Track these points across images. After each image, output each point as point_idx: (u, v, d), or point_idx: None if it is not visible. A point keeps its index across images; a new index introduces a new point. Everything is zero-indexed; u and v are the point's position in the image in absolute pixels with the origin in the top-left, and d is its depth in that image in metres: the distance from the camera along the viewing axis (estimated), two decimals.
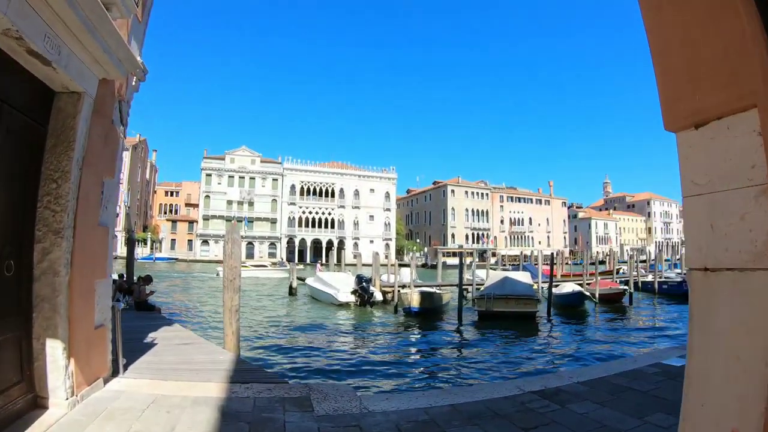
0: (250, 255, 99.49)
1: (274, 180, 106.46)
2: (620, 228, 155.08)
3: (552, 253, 38.23)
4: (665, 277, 41.63)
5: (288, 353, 16.24)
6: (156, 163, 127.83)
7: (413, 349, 18.49)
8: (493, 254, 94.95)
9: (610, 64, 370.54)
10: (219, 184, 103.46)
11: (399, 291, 29.94)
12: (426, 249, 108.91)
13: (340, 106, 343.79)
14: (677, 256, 65.21)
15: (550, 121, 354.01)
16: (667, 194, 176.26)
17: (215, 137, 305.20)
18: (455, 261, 52.77)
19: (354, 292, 30.76)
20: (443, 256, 64.96)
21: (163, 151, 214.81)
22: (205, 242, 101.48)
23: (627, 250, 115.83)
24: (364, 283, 30.75)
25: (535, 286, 32.07)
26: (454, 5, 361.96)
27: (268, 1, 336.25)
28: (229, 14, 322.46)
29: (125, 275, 26.48)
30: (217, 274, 58.15)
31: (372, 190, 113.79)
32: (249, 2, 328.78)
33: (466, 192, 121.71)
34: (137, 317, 14.87)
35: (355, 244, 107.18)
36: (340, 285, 32.23)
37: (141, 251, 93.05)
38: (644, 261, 72.44)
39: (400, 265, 37.97)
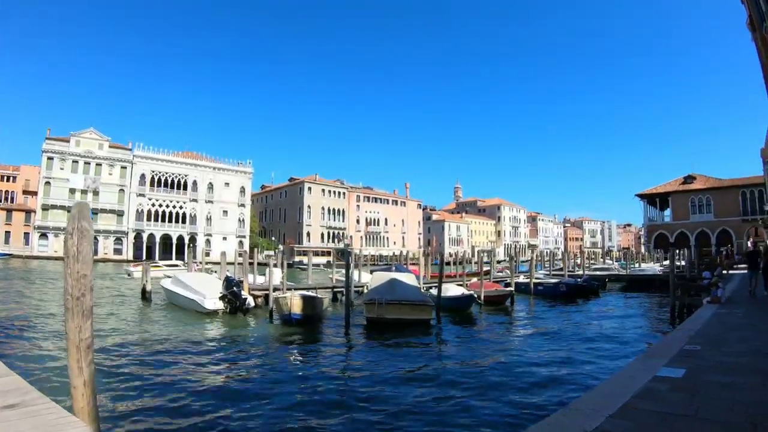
0: (93, 251, 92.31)
1: (123, 168, 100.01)
2: (471, 230, 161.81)
3: (441, 255, 38.24)
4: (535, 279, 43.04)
5: (154, 411, 11.49)
6: None
7: (315, 371, 15.87)
8: (349, 254, 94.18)
9: (466, 65, 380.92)
10: (62, 169, 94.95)
11: (275, 296, 26.45)
12: (281, 247, 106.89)
13: (196, 92, 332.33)
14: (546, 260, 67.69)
15: (407, 122, 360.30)
16: (516, 200, 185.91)
17: (60, 115, 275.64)
18: (316, 261, 52.49)
19: (223, 298, 27.33)
20: (299, 255, 64.20)
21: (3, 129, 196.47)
22: (44, 236, 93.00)
23: (477, 252, 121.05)
24: (234, 287, 27.55)
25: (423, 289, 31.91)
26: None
27: None
28: None
29: None
30: (129, 275, 53.72)
31: (227, 184, 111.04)
32: None
33: (323, 190, 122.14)
34: None
35: (208, 241, 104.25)
36: (206, 289, 28.54)
37: None
38: (500, 262, 75.58)
39: (260, 264, 36.24)
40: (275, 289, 28.77)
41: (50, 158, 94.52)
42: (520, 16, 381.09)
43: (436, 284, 30.07)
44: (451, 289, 32.30)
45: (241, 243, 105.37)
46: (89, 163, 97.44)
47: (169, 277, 35.09)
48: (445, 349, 20.44)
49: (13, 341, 18.81)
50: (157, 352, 17.71)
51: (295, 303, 23.91)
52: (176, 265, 60.65)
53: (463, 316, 28.94)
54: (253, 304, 28.72)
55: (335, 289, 35.89)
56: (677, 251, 50.90)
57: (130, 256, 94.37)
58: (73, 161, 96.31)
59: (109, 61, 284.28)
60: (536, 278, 43.27)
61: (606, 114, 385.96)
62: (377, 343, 20.61)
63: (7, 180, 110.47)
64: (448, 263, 41.09)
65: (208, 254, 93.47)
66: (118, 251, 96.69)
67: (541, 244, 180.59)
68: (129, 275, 54.07)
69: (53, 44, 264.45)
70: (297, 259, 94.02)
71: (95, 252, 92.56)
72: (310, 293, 27.26)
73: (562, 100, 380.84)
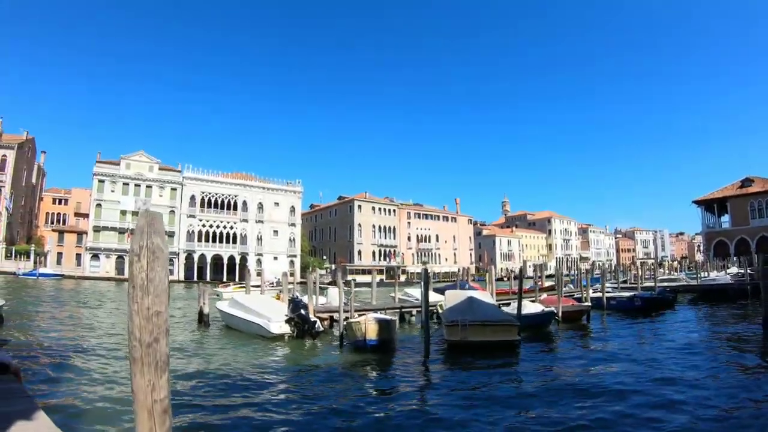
0: None
1: (173, 189, 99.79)
2: (522, 245, 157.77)
3: (520, 269, 36.59)
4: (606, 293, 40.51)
5: None
6: (44, 166, 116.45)
7: (401, 405, 13.61)
8: (403, 271, 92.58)
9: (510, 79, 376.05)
10: (112, 192, 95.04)
11: (348, 320, 24.12)
12: (333, 266, 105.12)
13: (244, 114, 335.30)
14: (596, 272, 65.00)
15: (454, 139, 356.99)
16: (565, 212, 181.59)
17: (110, 139, 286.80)
18: (366, 279, 50.49)
19: (290, 321, 25.12)
20: (351, 273, 62.76)
21: (52, 154, 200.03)
22: (95, 257, 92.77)
23: (530, 266, 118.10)
24: (302, 310, 25.35)
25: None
26: (355, 17, 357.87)
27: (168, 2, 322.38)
28: (126, 8, 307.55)
29: None
30: (218, 296, 49.38)
31: (276, 204, 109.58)
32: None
33: (373, 208, 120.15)
34: None
35: (259, 261, 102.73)
36: (270, 312, 26.40)
37: (24, 265, 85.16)
38: (550, 276, 72.86)
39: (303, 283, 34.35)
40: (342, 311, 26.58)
41: (101, 181, 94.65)
42: (569, 28, 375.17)
43: (506, 301, 27.87)
44: (527, 306, 29.77)
45: (292, 262, 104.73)
46: (139, 186, 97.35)
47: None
48: (543, 374, 18.08)
49: (71, 372, 16.22)
50: (224, 382, 15.89)
51: (370, 328, 21.71)
52: (258, 286, 58.64)
53: (542, 334, 26.92)
54: (322, 328, 26.49)
55: (403, 310, 33.67)
56: (738, 258, 48.02)
57: (181, 277, 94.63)
58: (123, 183, 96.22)
59: (157, 88, 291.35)
60: (607, 292, 40.54)
61: (652, 120, 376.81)
62: (463, 370, 18.46)
63: (60, 203, 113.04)
64: (500, 279, 39.28)
65: (259, 274, 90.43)
66: (169, 271, 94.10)
67: (592, 257, 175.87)
68: (218, 296, 52.58)
69: (101, 72, 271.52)
70: (349, 278, 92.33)
71: None
72: (385, 316, 25.06)
73: (608, 109, 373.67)
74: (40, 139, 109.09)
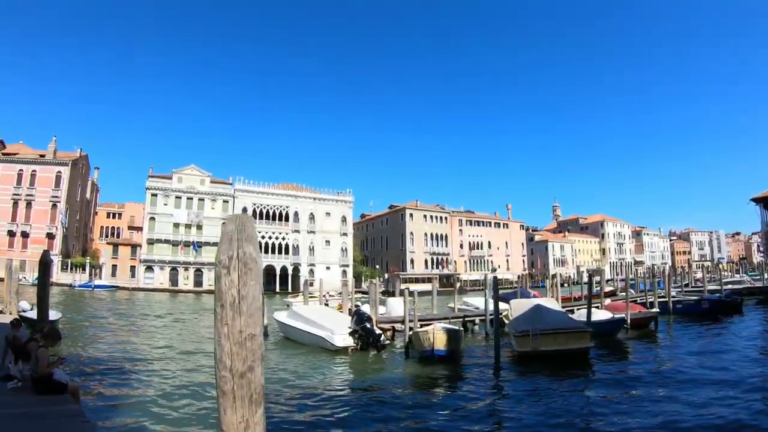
0: (198, 283, 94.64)
1: (225, 202, 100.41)
2: (575, 249, 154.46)
3: (590, 273, 35.42)
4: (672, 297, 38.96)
5: None
6: (97, 182, 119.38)
7: (477, 421, 12.98)
8: (457, 279, 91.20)
9: (557, 84, 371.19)
10: (165, 205, 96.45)
11: (415, 330, 23.55)
12: (386, 275, 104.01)
13: (293, 125, 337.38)
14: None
15: (500, 144, 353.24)
16: (619, 215, 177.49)
17: (162, 155, 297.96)
18: (418, 287, 49.50)
19: (353, 333, 24.36)
20: (405, 282, 62.07)
21: (105, 170, 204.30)
22: (149, 268, 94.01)
23: (583, 271, 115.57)
24: (366, 322, 24.52)
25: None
26: (408, 28, 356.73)
27: (214, 16, 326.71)
28: (177, 27, 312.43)
29: (36, 315, 20.23)
30: (288, 306, 46.59)
31: (328, 214, 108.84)
32: (194, 16, 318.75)
33: (425, 216, 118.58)
34: (21, 417, 8.11)
35: (311, 271, 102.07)
36: (333, 324, 25.66)
37: (79, 278, 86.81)
38: (608, 281, 70.87)
39: (362, 293, 33.49)
40: (402, 321, 26.59)
41: (154, 195, 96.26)
42: (616, 26, 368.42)
43: (569, 308, 26.55)
44: (595, 313, 28.69)
45: (344, 272, 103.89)
46: (192, 199, 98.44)
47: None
48: (622, 385, 16.80)
49: (130, 388, 15.67)
50: (288, 397, 15.24)
51: (438, 338, 20.97)
52: (332, 295, 57.65)
53: (611, 342, 25.76)
54: (387, 341, 25.89)
55: (466, 319, 32.60)
56: None
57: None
58: (176, 197, 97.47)
59: (206, 103, 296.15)
60: (673, 296, 39.05)
61: (706, 118, 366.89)
62: (536, 382, 17.48)
63: (114, 217, 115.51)
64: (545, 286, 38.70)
65: (311, 284, 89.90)
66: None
67: (647, 260, 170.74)
68: (288, 306, 51.98)
69: (151, 90, 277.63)
70: (402, 287, 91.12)
71: (200, 284, 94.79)
72: (452, 326, 24.31)
73: (660, 109, 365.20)
74: (93, 156, 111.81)
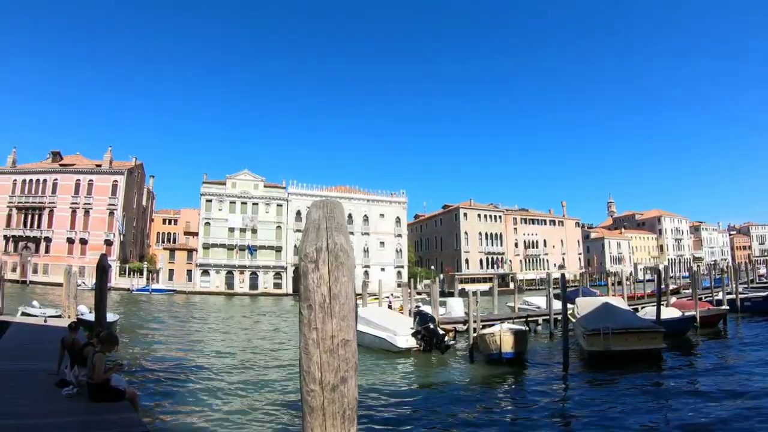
0: (254, 286, 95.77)
1: (279, 205, 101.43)
2: (632, 246, 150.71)
3: (658, 269, 34.36)
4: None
5: None
6: (153, 189, 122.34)
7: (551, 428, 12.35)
8: (512, 279, 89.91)
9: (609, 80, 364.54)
10: (220, 210, 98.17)
11: (476, 330, 23.13)
12: (441, 276, 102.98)
13: (345, 129, 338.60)
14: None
15: (551, 140, 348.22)
16: (675, 210, 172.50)
17: (215, 161, 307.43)
18: (475, 287, 48.67)
19: (416, 334, 23.90)
20: (463, 282, 61.59)
21: (160, 178, 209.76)
22: (206, 272, 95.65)
23: (641, 269, 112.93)
24: (430, 323, 24.05)
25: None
26: (462, 25, 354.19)
27: (267, 20, 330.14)
28: (228, 34, 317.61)
29: (94, 321, 19.66)
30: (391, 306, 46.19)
31: (382, 215, 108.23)
32: (247, 21, 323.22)
33: (479, 215, 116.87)
34: (77, 425, 7.81)
35: (366, 272, 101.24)
36: (395, 325, 25.31)
37: (137, 282, 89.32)
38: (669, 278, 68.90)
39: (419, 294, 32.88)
40: (463, 322, 26.54)
41: (208, 200, 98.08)
42: (668, 18, 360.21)
43: (633, 306, 25.57)
44: (663, 311, 27.34)
45: (399, 273, 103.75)
46: (246, 203, 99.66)
47: None
48: (700, 388, 15.98)
49: (180, 408, 14.17)
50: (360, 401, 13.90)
51: (505, 339, 20.41)
52: (397, 296, 56.91)
53: (681, 342, 24.91)
54: (452, 341, 25.17)
55: (529, 319, 31.73)
56: None
57: (290, 290, 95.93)
58: (230, 202, 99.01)
59: (258, 108, 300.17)
60: (740, 293, 37.95)
61: (757, 109, 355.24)
62: (610, 385, 16.83)
63: (170, 223, 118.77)
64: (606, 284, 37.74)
65: (367, 285, 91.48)
66: (277, 285, 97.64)
67: (706, 256, 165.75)
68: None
69: (204, 98, 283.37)
70: (458, 287, 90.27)
71: (256, 287, 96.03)
72: (519, 327, 23.71)
73: (714, 100, 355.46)
74: (148, 164, 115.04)
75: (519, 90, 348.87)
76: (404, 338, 23.82)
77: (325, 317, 3.54)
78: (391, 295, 57.37)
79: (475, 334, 22.81)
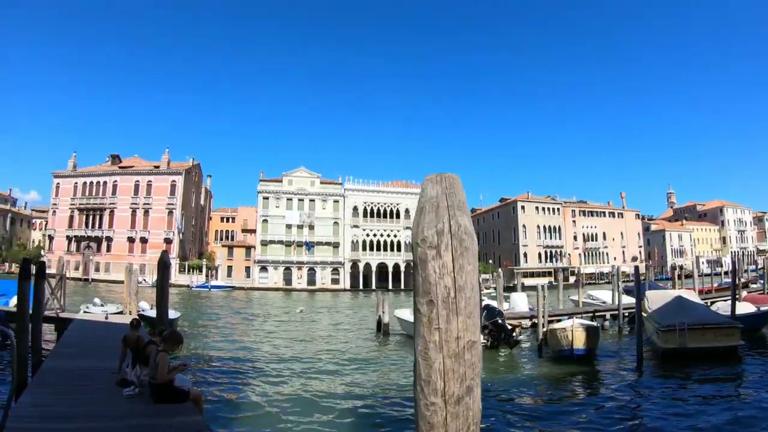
0: (311, 281, 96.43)
1: (335, 202, 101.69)
2: (694, 239, 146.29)
3: (732, 261, 32.93)
4: None
5: None
6: (210, 188, 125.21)
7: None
8: (572, 273, 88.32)
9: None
10: (277, 207, 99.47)
11: (544, 326, 22.44)
12: (500, 270, 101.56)
13: (401, 123, 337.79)
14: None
15: (608, 130, 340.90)
16: (738, 200, 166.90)
17: (271, 159, 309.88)
18: (534, 282, 47.40)
19: (483, 329, 22.11)
20: (522, 277, 60.37)
21: (217, 177, 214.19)
22: (264, 269, 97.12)
23: (703, 262, 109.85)
24: (498, 317, 23.15)
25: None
26: (519, 13, 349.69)
27: (319, 18, 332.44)
28: (282, 33, 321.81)
29: (155, 317, 19.93)
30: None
31: None
32: (300, 21, 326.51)
33: (537, 207, 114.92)
34: (138, 429, 7.42)
35: None
36: None
37: (196, 279, 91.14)
38: (726, 273, 66.51)
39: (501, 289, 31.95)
40: (530, 317, 26.40)
41: (265, 198, 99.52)
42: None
43: (707, 300, 24.45)
44: (742, 306, 26.25)
45: None
46: (302, 200, 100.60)
47: None
48: None
49: (244, 410, 13.18)
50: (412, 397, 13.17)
51: (577, 335, 19.37)
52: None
53: (758, 338, 23.60)
54: (520, 336, 24.28)
55: (596, 314, 30.49)
56: None
57: (347, 286, 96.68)
58: (287, 199, 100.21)
59: (312, 106, 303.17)
60: None
61: None
62: (689, 384, 15.78)
63: (227, 221, 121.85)
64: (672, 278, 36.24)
65: None
66: (335, 281, 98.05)
67: None
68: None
69: (258, 98, 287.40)
70: (523, 281, 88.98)
71: (313, 282, 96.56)
72: (590, 322, 22.28)
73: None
74: (205, 164, 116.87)
75: (574, 80, 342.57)
76: None
77: (449, 315, 3.04)
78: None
79: (545, 329, 22.19)
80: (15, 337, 7.72)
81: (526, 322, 27.57)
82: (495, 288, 40.13)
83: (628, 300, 30.00)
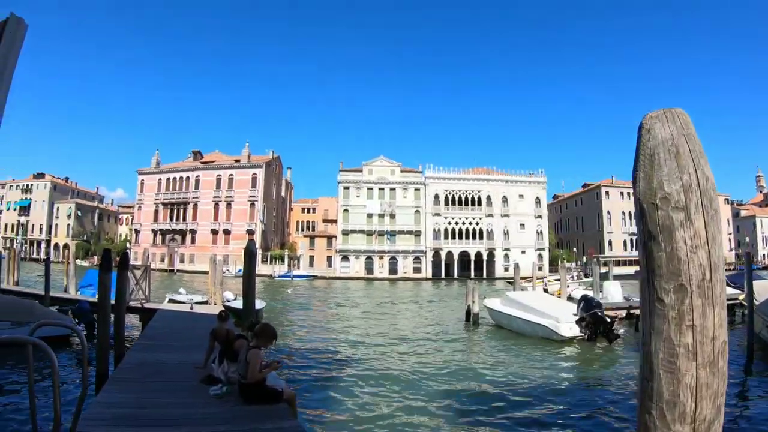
0: (393, 270, 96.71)
1: (416, 190, 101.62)
2: None
3: None
4: None
5: None
6: (291, 180, 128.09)
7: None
8: None
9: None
10: (357, 197, 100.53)
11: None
12: (584, 258, 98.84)
13: (480, 109, 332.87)
14: None
15: (691, 109, 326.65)
16: None
17: (351, 149, 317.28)
18: (620, 270, 45.34)
19: (580, 321, 21.93)
20: (605, 265, 58.76)
21: (297, 169, 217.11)
22: (345, 258, 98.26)
23: None
24: (596, 309, 21.97)
25: None
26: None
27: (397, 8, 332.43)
28: (360, 22, 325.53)
29: (240, 305, 20.01)
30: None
31: (521, 196, 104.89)
32: (378, 11, 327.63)
33: (621, 193, 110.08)
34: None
35: (506, 256, 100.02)
36: (558, 312, 23.22)
37: (278, 269, 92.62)
38: None
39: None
40: (625, 308, 25.37)
41: (346, 188, 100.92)
42: None
43: None
44: None
45: (540, 256, 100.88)
46: (383, 189, 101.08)
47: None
48: None
49: (337, 410, 12.17)
50: (505, 390, 13.83)
51: None
52: (551, 281, 54.25)
53: None
54: (621, 329, 22.98)
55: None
56: None
57: (429, 275, 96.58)
58: (367, 188, 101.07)
59: (390, 93, 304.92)
60: None
61: None
62: None
63: (308, 211, 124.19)
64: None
65: (506, 269, 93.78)
66: (417, 269, 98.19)
67: None
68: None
69: (337, 88, 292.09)
70: (602, 270, 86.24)
71: (395, 271, 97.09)
72: None
73: None
74: (285, 157, 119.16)
75: (654, 61, 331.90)
76: (568, 326, 22.02)
77: (705, 306, 2.26)
78: (545, 279, 55.19)
79: None
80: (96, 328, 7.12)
81: (622, 313, 26.29)
82: (591, 276, 39.17)
83: (729, 291, 27.88)
